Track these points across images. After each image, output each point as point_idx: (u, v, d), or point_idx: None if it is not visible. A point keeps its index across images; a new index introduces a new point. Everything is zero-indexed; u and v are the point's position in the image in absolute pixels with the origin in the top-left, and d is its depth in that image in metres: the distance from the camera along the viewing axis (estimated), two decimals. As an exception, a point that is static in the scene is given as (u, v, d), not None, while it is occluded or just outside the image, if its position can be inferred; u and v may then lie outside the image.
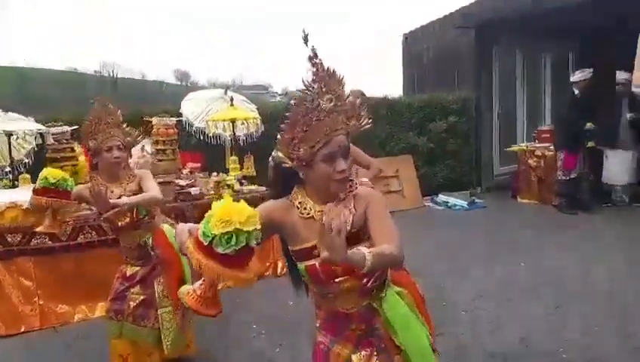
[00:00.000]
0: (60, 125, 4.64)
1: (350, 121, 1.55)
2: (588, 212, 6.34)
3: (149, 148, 4.86)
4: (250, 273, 1.44)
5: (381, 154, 7.32)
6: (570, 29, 7.59)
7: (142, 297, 2.89)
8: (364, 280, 1.55)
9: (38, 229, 3.17)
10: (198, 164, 5.33)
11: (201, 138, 5.79)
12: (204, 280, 1.51)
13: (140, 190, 2.80)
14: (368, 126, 1.59)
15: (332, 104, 1.50)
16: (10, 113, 5.05)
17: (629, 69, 6.15)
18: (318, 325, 1.73)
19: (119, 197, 2.70)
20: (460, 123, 8.11)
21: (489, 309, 3.77)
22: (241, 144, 5.63)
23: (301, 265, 1.57)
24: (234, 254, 1.35)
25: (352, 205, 1.56)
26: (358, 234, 1.53)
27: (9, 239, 3.84)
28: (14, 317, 3.82)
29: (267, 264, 4.64)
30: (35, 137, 5.01)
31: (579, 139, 6.37)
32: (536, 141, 7.47)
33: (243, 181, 5.03)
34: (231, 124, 5.39)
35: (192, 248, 1.38)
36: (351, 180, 1.59)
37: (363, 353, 1.64)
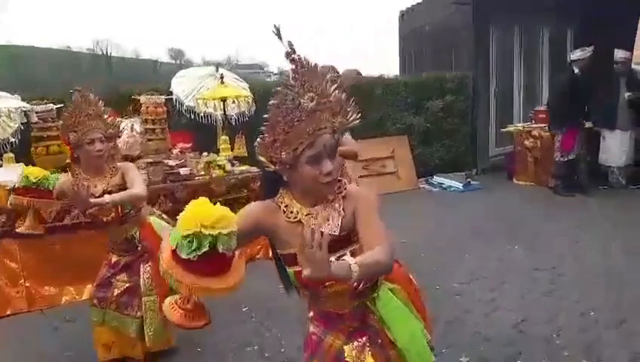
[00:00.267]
0: (45, 103, 4.48)
1: (336, 118, 1.41)
2: (585, 194, 6.27)
3: (138, 127, 4.73)
4: (229, 281, 1.34)
5: (377, 135, 7.25)
6: (570, 4, 7.44)
7: (127, 285, 2.83)
8: (355, 284, 1.46)
9: (19, 230, 3.04)
10: (189, 144, 5.20)
11: (192, 117, 5.63)
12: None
13: (124, 183, 2.69)
14: (357, 122, 1.45)
15: (314, 103, 1.37)
16: (-3, 91, 4.90)
17: (629, 47, 6.04)
18: (310, 316, 1.68)
19: (103, 192, 2.61)
20: (457, 102, 7.99)
21: (483, 293, 3.72)
22: (233, 123, 5.49)
23: (290, 270, 1.49)
24: (203, 260, 1.24)
25: (341, 207, 1.47)
26: (349, 237, 1.46)
27: (-7, 220, 3.73)
28: (0, 299, 3.75)
29: (258, 247, 4.56)
30: (22, 116, 4.86)
31: (578, 119, 6.27)
32: (533, 121, 7.32)
33: (234, 162, 4.93)
34: (222, 102, 5.26)
35: (165, 255, 1.29)
36: (339, 180, 1.49)
37: (355, 343, 1.58)
